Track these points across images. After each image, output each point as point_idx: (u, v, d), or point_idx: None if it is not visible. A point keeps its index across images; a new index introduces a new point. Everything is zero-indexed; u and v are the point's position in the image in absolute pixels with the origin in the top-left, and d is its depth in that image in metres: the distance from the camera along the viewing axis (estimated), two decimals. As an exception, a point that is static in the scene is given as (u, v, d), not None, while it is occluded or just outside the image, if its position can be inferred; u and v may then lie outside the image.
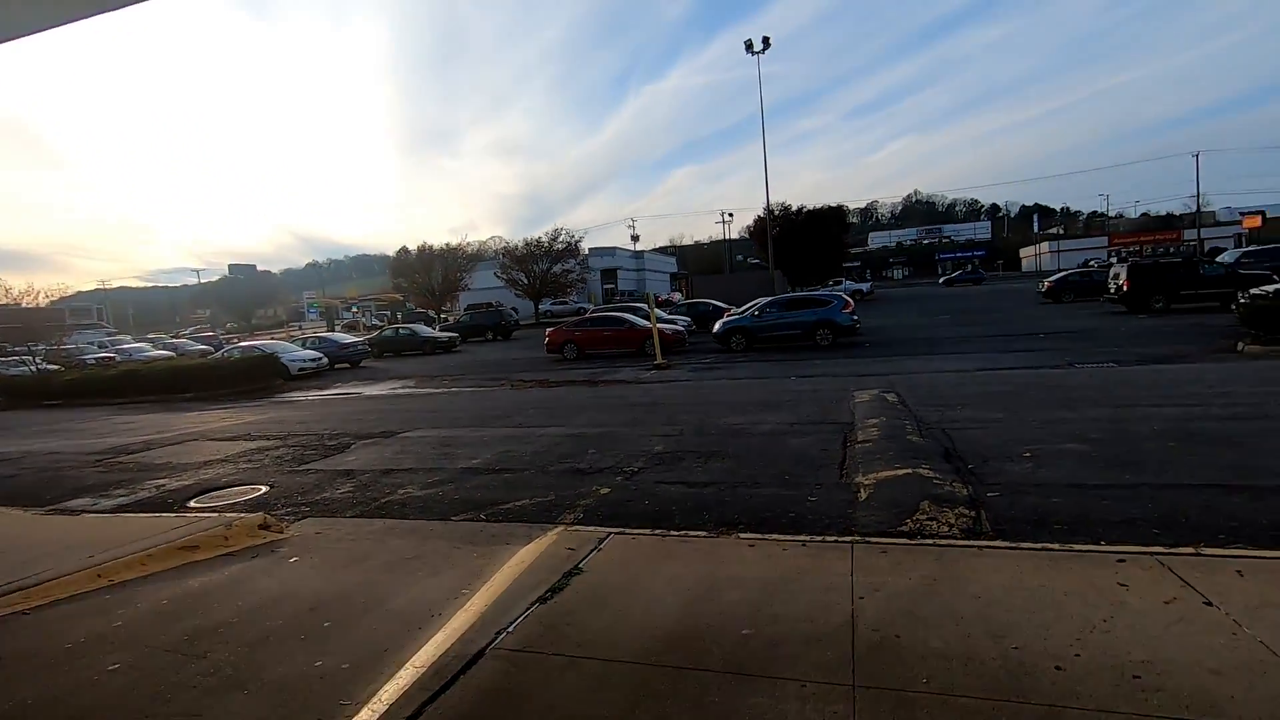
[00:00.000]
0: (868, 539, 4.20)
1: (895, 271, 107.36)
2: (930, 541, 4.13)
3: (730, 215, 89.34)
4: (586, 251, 50.41)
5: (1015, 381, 10.34)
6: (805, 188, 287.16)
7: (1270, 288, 14.66)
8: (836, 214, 53.55)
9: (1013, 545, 3.96)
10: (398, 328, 32.30)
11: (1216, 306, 20.79)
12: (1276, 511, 4.26)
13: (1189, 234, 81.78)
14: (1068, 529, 4.24)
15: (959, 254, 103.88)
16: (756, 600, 3.38)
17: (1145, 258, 46.40)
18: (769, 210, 45.91)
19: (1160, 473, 5.22)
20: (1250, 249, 30.21)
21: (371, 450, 8.58)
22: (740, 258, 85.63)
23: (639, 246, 74.31)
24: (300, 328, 65.25)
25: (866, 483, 5.52)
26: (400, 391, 16.77)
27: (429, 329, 32.54)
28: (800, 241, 49.16)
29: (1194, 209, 79.89)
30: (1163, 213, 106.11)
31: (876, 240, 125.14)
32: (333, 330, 48.90)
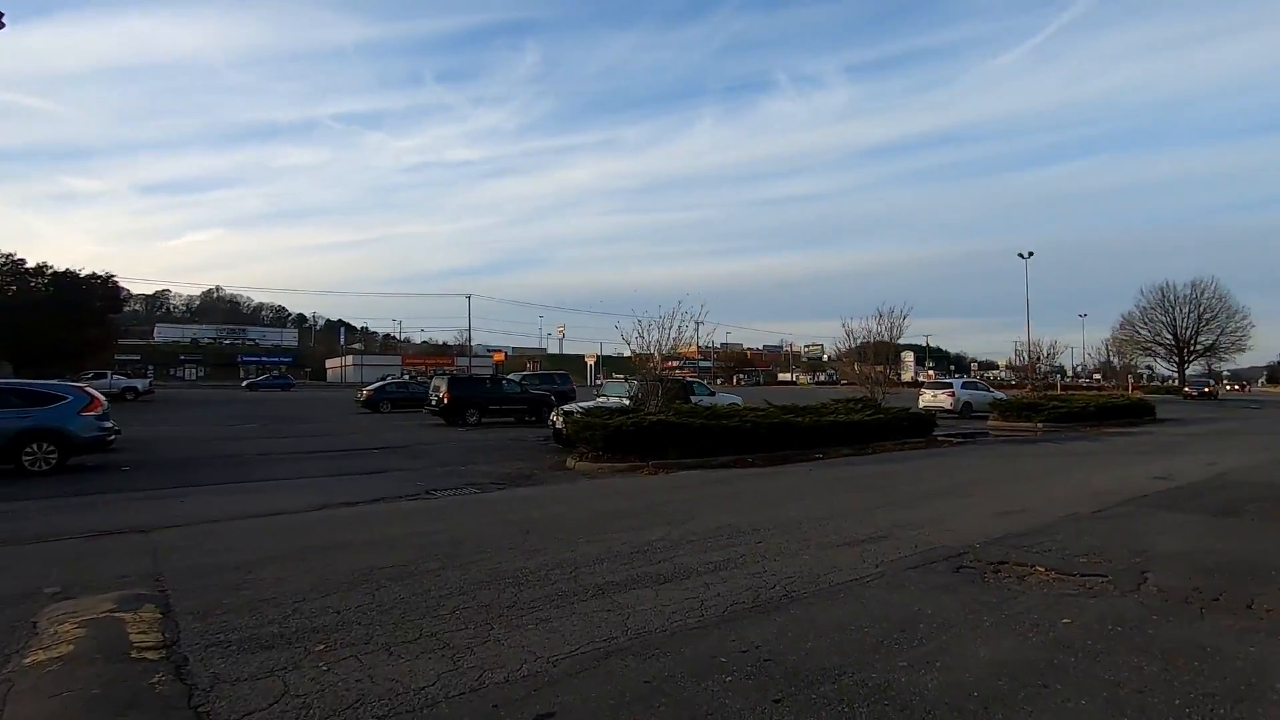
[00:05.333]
0: None
1: (188, 371, 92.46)
2: None
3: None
4: None
5: (390, 535, 6.67)
6: (81, 258, 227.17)
7: (577, 406, 15.84)
8: (105, 287, 40.87)
9: None
10: None
11: (513, 421, 22.70)
12: None
13: (461, 360, 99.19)
14: None
15: (264, 358, 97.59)
16: None
17: (461, 372, 51.41)
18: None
19: None
20: (528, 373, 36.34)
21: None
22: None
23: None
24: None
25: None
26: None
27: None
28: (43, 314, 34.78)
29: (464, 340, 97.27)
30: (440, 341, 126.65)
31: (167, 334, 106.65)
32: None
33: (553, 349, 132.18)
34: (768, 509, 7.84)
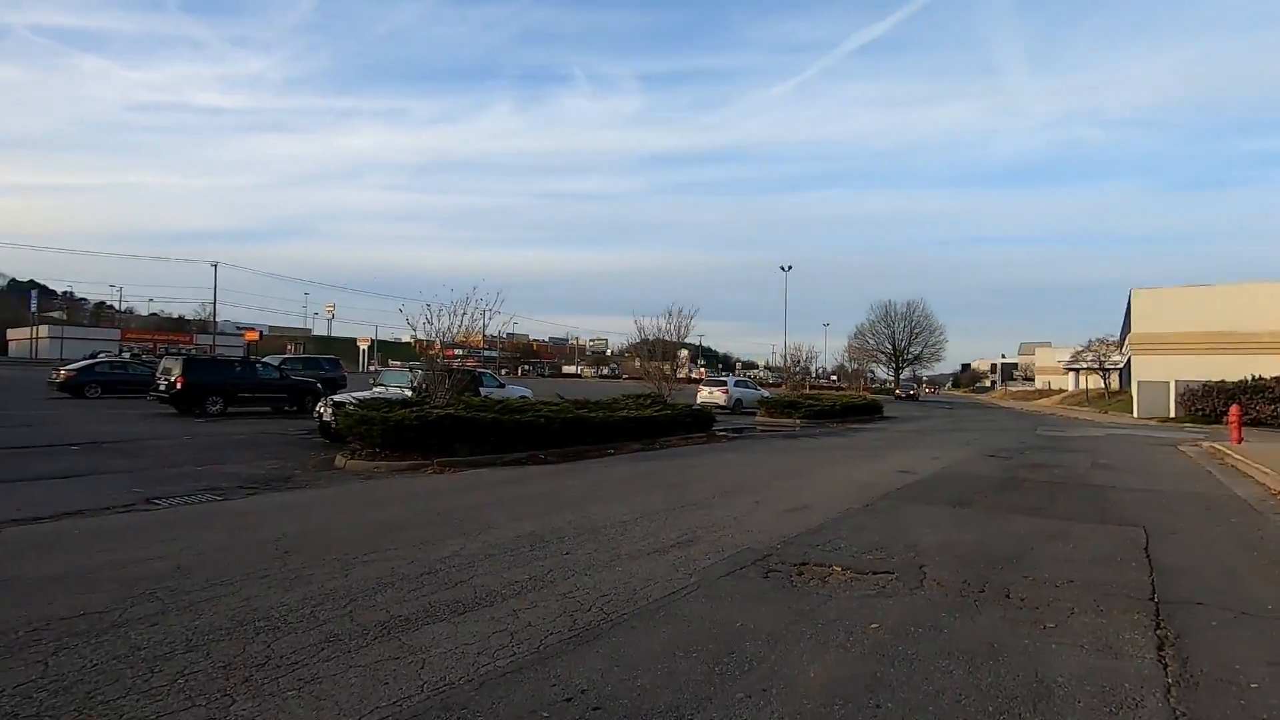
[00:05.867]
0: None
1: None
2: None
3: None
4: None
5: (85, 566, 5.02)
6: None
7: (350, 396, 14.04)
8: None
9: None
10: None
11: (269, 412, 19.77)
12: None
13: (201, 338, 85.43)
14: None
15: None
16: None
17: (201, 354, 43.68)
18: None
19: None
20: (290, 356, 31.92)
21: None
22: None
23: None
24: None
25: None
26: None
27: None
28: None
29: (207, 314, 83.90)
30: (175, 314, 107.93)
31: None
32: None
33: (319, 330, 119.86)
34: (570, 512, 7.40)
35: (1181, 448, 17.16)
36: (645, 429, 16.41)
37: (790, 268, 60.23)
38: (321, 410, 14.05)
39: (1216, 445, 16.12)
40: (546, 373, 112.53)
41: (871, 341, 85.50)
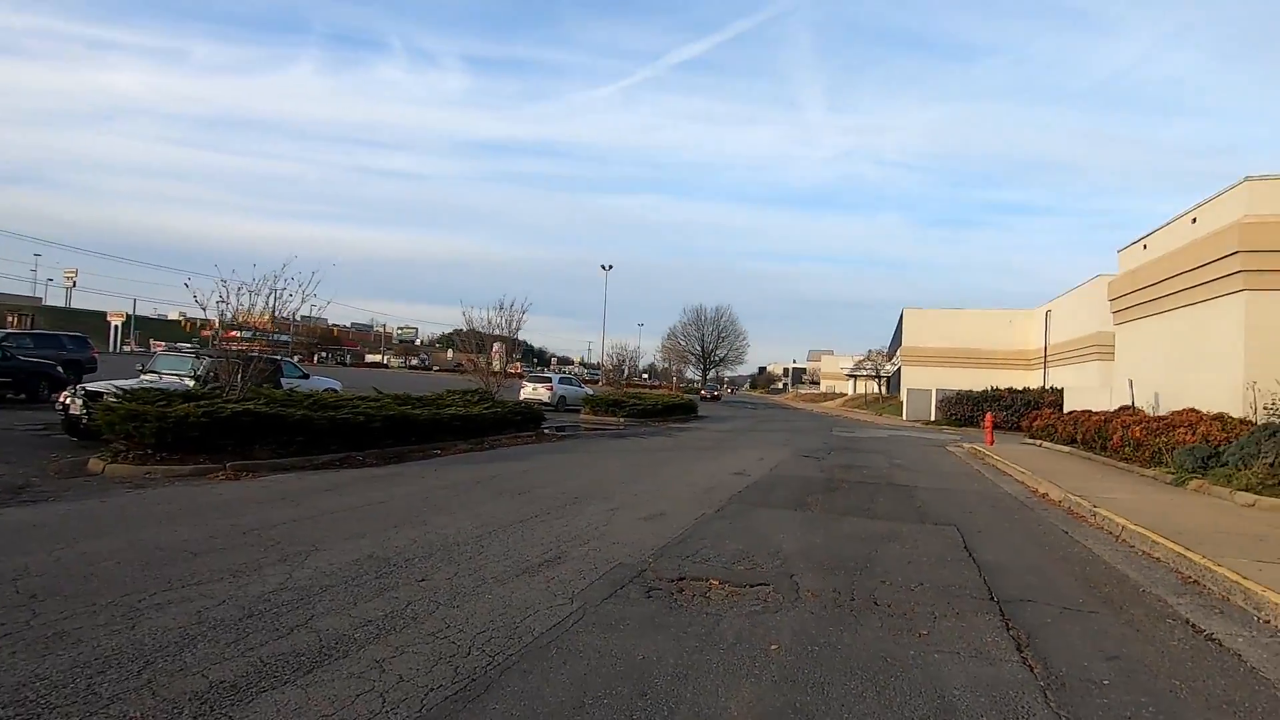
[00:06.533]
0: None
1: None
2: None
3: None
4: None
5: None
6: None
7: (110, 385, 11.48)
8: None
9: None
10: None
11: (-15, 399, 15.77)
12: None
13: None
14: None
15: None
16: None
17: None
18: None
19: None
20: (13, 331, 25.64)
21: None
22: None
23: None
24: None
25: None
26: None
27: None
28: None
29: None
30: None
31: None
32: None
33: (55, 299, 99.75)
34: (410, 526, 6.56)
35: (949, 448, 19.91)
36: (474, 427, 15.52)
37: (611, 267, 61.31)
38: (68, 401, 11.37)
39: (976, 447, 18.92)
40: (348, 361, 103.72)
41: (683, 343, 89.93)
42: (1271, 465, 10.02)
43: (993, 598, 5.24)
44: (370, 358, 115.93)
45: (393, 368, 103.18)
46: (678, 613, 4.54)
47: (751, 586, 5.21)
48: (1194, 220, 14.35)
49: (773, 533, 7.19)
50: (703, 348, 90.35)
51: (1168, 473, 11.63)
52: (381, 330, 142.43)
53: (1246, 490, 9.50)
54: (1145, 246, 17.02)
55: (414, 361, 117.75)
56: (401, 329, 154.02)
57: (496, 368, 20.05)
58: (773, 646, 4.01)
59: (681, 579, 5.31)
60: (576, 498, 8.66)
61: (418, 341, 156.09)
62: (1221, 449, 10.99)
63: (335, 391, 19.75)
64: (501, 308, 19.98)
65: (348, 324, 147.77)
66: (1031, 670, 3.87)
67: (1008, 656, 4.05)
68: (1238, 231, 12.41)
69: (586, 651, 3.79)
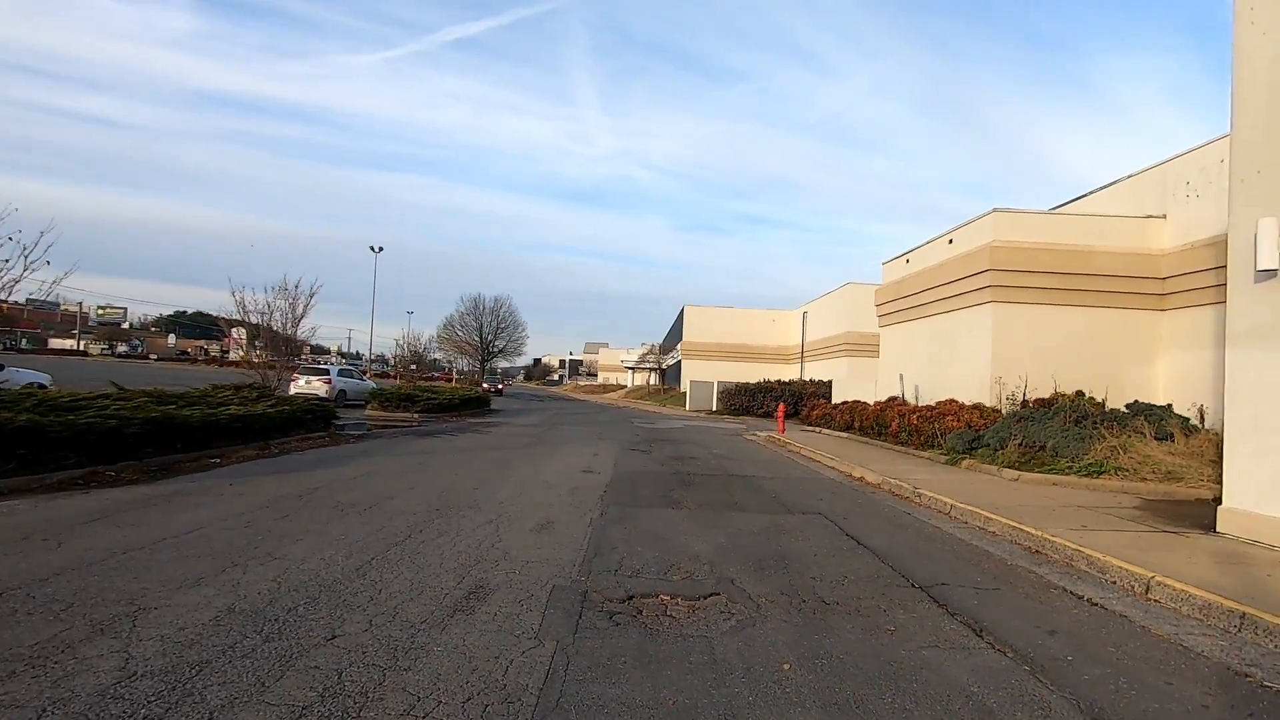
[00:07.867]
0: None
1: None
2: None
3: None
4: None
5: None
6: None
7: None
8: None
9: None
10: None
11: None
12: None
13: None
14: None
15: None
16: None
17: None
18: None
19: None
20: None
21: None
22: None
23: None
24: None
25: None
26: None
27: None
28: None
29: None
30: None
31: None
32: None
33: None
34: (259, 563, 5.14)
35: (746, 436, 21.49)
36: (258, 429, 13.15)
37: (381, 249, 56.81)
38: None
39: (772, 434, 20.67)
40: (25, 347, 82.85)
41: (461, 333, 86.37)
42: (1020, 445, 12.27)
43: (913, 584, 5.54)
44: (58, 343, 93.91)
45: (94, 356, 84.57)
46: (661, 640, 4.05)
47: (704, 598, 4.89)
48: (950, 241, 17.16)
49: (672, 535, 6.93)
50: (481, 338, 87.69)
51: (942, 454, 13.70)
52: (77, 309, 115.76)
53: (1010, 467, 11.50)
54: (909, 261, 19.98)
55: (123, 348, 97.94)
56: (103, 309, 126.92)
57: (274, 363, 17.16)
58: (784, 666, 3.74)
59: (630, 598, 4.80)
60: (438, 509, 7.59)
61: (125, 325, 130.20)
62: (983, 434, 13.23)
63: (45, 387, 15.57)
64: (286, 291, 17.13)
65: (22, 300, 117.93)
66: (1004, 655, 4.08)
67: (976, 644, 4.24)
68: (989, 253, 15.10)
69: (610, 705, 3.16)
